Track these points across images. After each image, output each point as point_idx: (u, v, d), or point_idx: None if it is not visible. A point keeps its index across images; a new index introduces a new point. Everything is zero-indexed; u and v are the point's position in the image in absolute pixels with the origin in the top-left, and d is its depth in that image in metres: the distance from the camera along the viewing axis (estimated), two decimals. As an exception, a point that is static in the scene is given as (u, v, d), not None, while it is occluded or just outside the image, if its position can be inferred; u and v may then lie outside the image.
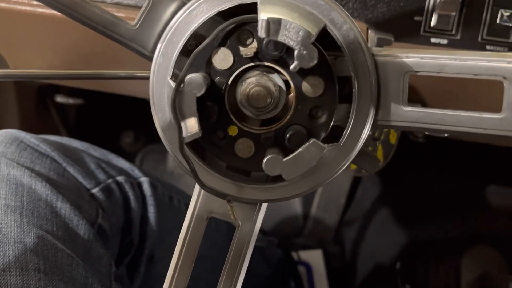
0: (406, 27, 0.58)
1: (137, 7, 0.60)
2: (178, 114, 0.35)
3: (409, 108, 0.37)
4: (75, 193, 0.54)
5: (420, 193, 1.12)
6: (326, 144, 0.35)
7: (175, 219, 0.65)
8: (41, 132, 0.62)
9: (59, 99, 1.03)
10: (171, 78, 0.36)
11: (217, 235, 0.68)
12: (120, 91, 0.79)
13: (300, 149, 0.34)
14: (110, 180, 0.59)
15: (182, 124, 0.35)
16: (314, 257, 1.15)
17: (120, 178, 0.61)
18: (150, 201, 0.62)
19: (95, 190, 0.57)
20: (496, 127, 0.33)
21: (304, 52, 0.32)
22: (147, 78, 0.38)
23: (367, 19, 0.59)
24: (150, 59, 0.38)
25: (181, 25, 0.36)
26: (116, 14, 0.59)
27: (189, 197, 0.39)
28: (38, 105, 1.02)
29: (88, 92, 0.97)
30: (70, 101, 1.04)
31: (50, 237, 0.47)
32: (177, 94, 0.34)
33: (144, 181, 0.63)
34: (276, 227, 1.18)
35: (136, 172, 0.64)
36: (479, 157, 1.02)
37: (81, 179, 0.56)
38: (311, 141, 0.34)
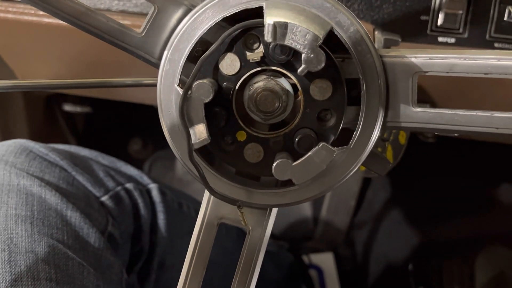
0: (413, 27, 0.58)
1: (142, 14, 0.60)
2: (186, 121, 0.35)
3: (418, 109, 0.36)
4: (85, 201, 0.54)
5: (431, 193, 1.10)
6: (336, 148, 0.34)
7: (185, 225, 0.65)
8: (49, 141, 0.63)
9: (67, 107, 1.03)
10: (178, 85, 0.36)
11: (227, 241, 0.68)
12: (128, 99, 0.79)
13: (309, 153, 0.34)
14: (119, 188, 0.59)
15: (191, 130, 0.35)
16: (325, 260, 1.15)
17: (129, 185, 0.61)
18: (159, 207, 0.62)
19: (104, 198, 0.57)
20: (509, 126, 0.32)
21: (312, 55, 0.31)
22: (154, 85, 0.38)
23: (373, 20, 0.59)
24: (157, 66, 0.38)
25: (187, 32, 0.36)
26: (121, 21, 0.59)
27: (199, 203, 0.39)
28: (46, 114, 1.03)
29: (96, 100, 0.97)
30: (78, 109, 1.04)
31: (61, 246, 0.47)
32: (185, 101, 0.34)
33: (153, 187, 0.63)
34: (286, 231, 1.17)
35: (145, 179, 0.64)
36: (490, 156, 1.01)
37: (90, 187, 0.57)
38: (320, 145, 0.34)
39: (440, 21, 0.57)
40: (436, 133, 0.36)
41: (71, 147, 0.62)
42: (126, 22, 0.59)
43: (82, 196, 0.54)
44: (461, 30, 0.57)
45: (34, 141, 0.58)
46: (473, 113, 0.34)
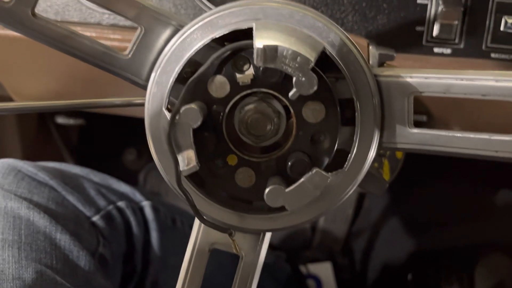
0: (408, 38, 0.57)
1: (133, 28, 0.59)
2: (174, 147, 0.33)
3: (415, 130, 0.35)
4: (75, 222, 0.53)
5: (429, 201, 1.10)
6: (330, 173, 0.33)
7: (179, 242, 0.63)
8: (43, 154, 0.61)
9: (60, 120, 1.02)
10: (166, 108, 0.35)
11: (222, 256, 0.67)
12: (119, 112, 0.78)
13: (302, 179, 0.33)
14: (110, 207, 0.58)
15: (179, 157, 0.33)
16: (323, 270, 1.14)
17: (121, 204, 0.59)
18: (152, 225, 0.61)
19: (95, 218, 0.56)
20: (508, 149, 0.31)
21: (303, 79, 0.30)
22: (144, 104, 0.37)
23: (368, 31, 0.58)
24: (144, 88, 0.37)
25: (175, 53, 0.35)
26: (112, 36, 0.59)
27: (193, 217, 0.38)
28: (39, 127, 1.02)
29: (89, 112, 0.96)
30: (71, 121, 1.03)
31: (49, 271, 0.46)
32: (173, 127, 0.33)
33: (146, 205, 0.62)
34: (284, 241, 1.16)
35: (137, 196, 0.63)
36: (489, 163, 1.00)
37: (80, 207, 0.55)
38: (314, 171, 0.33)
39: (435, 31, 0.56)
40: (433, 154, 0.35)
41: (62, 165, 0.61)
42: (116, 36, 0.58)
43: (72, 217, 0.53)
44: (457, 41, 0.56)
45: (27, 153, 0.57)
46: (471, 135, 0.33)
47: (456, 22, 0.54)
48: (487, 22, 0.56)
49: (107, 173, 0.66)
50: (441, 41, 0.56)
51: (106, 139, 1.22)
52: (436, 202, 1.09)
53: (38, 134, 1.01)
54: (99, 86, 0.69)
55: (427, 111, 0.64)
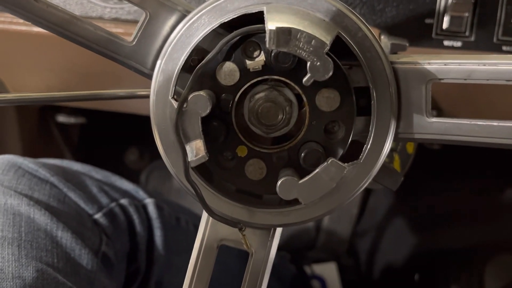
0: (417, 31, 0.56)
1: (135, 22, 0.58)
2: (182, 137, 0.32)
3: (433, 119, 0.34)
4: (77, 220, 0.51)
5: (436, 200, 1.08)
6: (346, 164, 0.31)
7: (183, 241, 0.62)
8: (44, 153, 0.60)
9: (61, 118, 1.01)
10: (173, 97, 0.33)
11: (228, 256, 0.65)
12: (122, 109, 0.76)
13: (317, 170, 0.31)
14: (113, 204, 0.56)
15: (187, 147, 0.32)
16: (328, 270, 1.12)
17: (124, 201, 0.58)
18: (156, 224, 0.60)
19: (98, 216, 0.54)
20: (535, 137, 0.30)
21: (318, 63, 0.29)
22: (148, 96, 0.35)
23: (376, 24, 0.57)
24: (149, 77, 0.35)
25: (182, 40, 0.33)
26: (114, 30, 0.57)
27: (197, 217, 0.36)
28: (40, 125, 1.01)
29: (90, 111, 0.95)
30: (72, 120, 1.02)
31: (51, 270, 0.44)
32: (180, 115, 0.31)
33: (149, 203, 0.61)
34: (288, 241, 1.15)
35: (140, 194, 0.61)
36: (497, 162, 0.99)
37: (82, 205, 0.54)
38: (330, 161, 0.31)
39: (445, 24, 0.55)
40: (452, 144, 0.34)
41: (63, 162, 0.59)
42: (119, 30, 0.57)
43: (74, 215, 0.51)
44: (467, 33, 0.55)
45: (27, 153, 0.55)
46: (495, 123, 0.31)
47: (466, 14, 0.53)
48: (498, 14, 0.55)
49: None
50: (451, 34, 0.55)
51: (108, 138, 1.21)
52: (444, 201, 1.07)
53: (39, 133, 1.00)
54: (101, 82, 0.68)
55: (437, 105, 0.63)
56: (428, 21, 0.55)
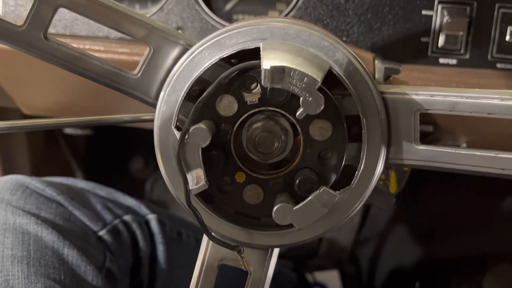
0: (413, 49, 0.57)
1: (141, 42, 0.60)
2: (184, 166, 0.34)
3: (421, 147, 0.35)
4: (82, 237, 0.53)
5: (437, 209, 1.09)
6: (337, 191, 0.33)
7: (185, 255, 0.64)
8: (51, 163, 0.62)
9: (68, 130, 1.03)
10: (175, 127, 0.35)
11: (229, 270, 0.67)
12: (128, 124, 0.78)
13: (310, 197, 0.33)
14: (117, 221, 0.58)
15: (188, 176, 0.34)
16: (330, 278, 1.13)
17: (127, 218, 0.60)
18: (158, 239, 0.61)
19: (102, 233, 0.56)
20: (515, 167, 0.32)
21: (310, 99, 0.31)
22: (152, 120, 0.37)
23: (373, 42, 0.58)
24: (153, 105, 0.37)
25: (184, 72, 0.35)
26: (120, 49, 0.59)
27: (198, 230, 0.38)
28: (47, 136, 1.03)
29: (96, 123, 0.96)
30: (79, 132, 1.04)
31: (58, 286, 0.46)
32: (182, 146, 0.33)
33: (152, 218, 0.62)
34: (290, 249, 1.15)
35: (143, 209, 0.63)
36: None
37: (87, 222, 0.56)
38: (322, 189, 0.33)
39: (441, 42, 0.56)
40: (439, 171, 0.35)
41: (68, 180, 0.61)
42: (124, 50, 0.59)
43: (79, 232, 0.53)
44: (462, 51, 0.57)
45: (35, 164, 0.57)
46: (478, 152, 0.33)
47: (461, 33, 0.55)
48: (493, 33, 0.56)
49: (114, 181, 0.66)
50: (446, 52, 0.57)
51: (113, 148, 1.22)
52: (444, 210, 1.08)
53: (46, 143, 1.02)
54: (108, 98, 0.69)
55: (434, 121, 0.64)
56: (424, 39, 0.57)
